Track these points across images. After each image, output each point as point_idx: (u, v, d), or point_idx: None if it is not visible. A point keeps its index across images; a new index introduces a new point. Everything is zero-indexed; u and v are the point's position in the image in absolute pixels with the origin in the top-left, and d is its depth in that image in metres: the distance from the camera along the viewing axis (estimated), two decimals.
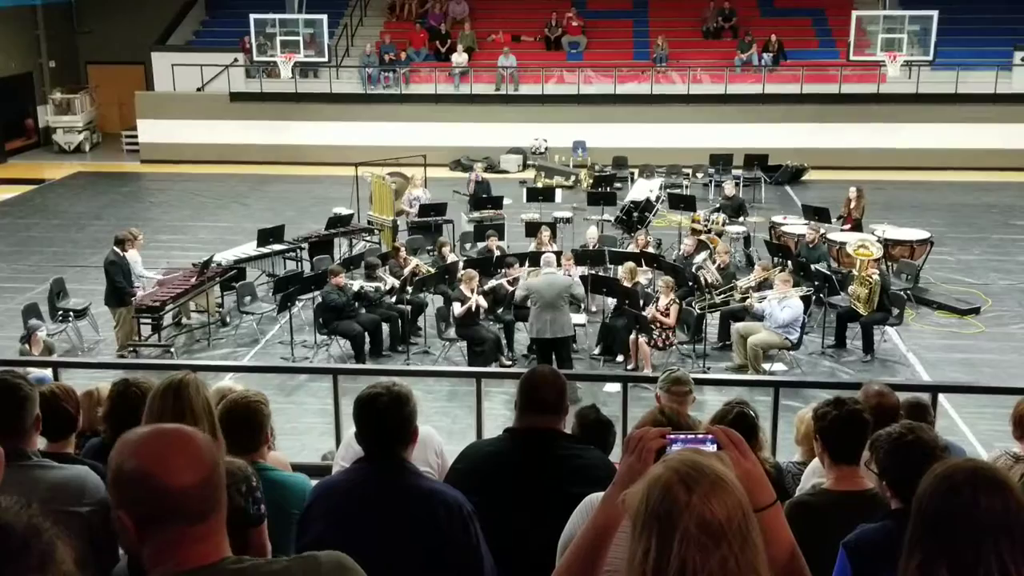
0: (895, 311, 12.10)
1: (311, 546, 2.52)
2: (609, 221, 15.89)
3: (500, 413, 8.64)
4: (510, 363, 11.48)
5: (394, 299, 12.40)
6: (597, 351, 11.87)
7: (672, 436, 2.06)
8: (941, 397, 6.44)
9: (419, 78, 24.32)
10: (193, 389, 3.15)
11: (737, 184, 18.17)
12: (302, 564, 1.92)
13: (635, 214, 15.23)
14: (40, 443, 3.28)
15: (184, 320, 12.96)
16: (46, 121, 26.01)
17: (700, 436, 2.06)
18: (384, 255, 13.57)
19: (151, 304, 11.92)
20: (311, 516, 3.07)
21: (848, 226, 15.28)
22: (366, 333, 11.63)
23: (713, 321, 12.23)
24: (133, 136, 24.96)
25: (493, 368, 10.86)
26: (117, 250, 11.98)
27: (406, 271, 12.71)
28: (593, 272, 12.79)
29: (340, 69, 24.29)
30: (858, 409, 3.41)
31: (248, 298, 12.89)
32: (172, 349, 11.94)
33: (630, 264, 12.18)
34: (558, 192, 18.41)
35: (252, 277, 13.90)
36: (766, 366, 11.26)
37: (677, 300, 11.52)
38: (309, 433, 8.99)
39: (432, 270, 12.94)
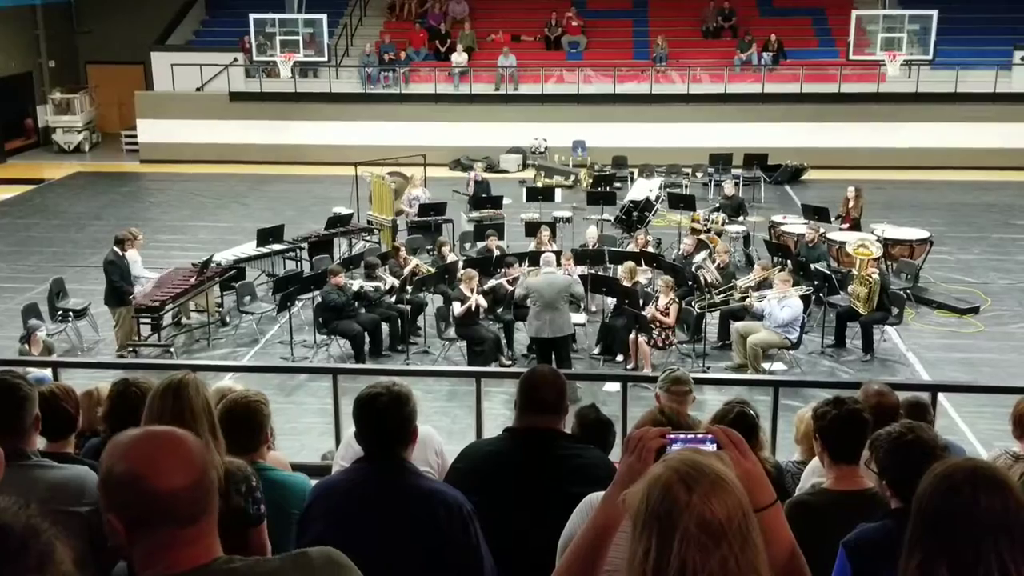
0: (895, 310, 12.09)
1: (311, 546, 2.51)
2: (609, 221, 15.87)
3: (500, 413, 8.64)
4: (510, 363, 11.47)
5: (394, 299, 12.39)
6: (597, 351, 11.87)
7: (672, 436, 2.06)
8: (941, 396, 6.45)
9: (419, 78, 24.30)
10: (193, 389, 3.14)
11: (737, 184, 18.18)
12: (294, 562, 1.91)
13: (635, 214, 15.22)
14: (40, 443, 3.28)
15: (184, 320, 12.96)
16: (46, 121, 25.99)
17: (700, 436, 2.05)
18: (384, 255, 13.56)
19: (151, 304, 11.91)
20: (311, 516, 3.06)
21: (847, 225, 15.28)
22: (366, 333, 11.62)
23: (713, 321, 12.23)
24: (133, 136, 24.94)
25: (493, 368, 10.85)
26: (117, 250, 11.98)
27: (406, 271, 12.70)
28: (593, 272, 12.79)
29: (340, 69, 24.28)
30: (858, 408, 3.40)
31: (248, 298, 12.89)
32: (172, 349, 11.93)
33: (630, 264, 12.17)
34: (558, 192, 18.37)
35: (252, 277, 13.89)
36: (766, 365, 11.25)
37: (677, 300, 11.51)
38: (309, 433, 8.99)
39: (432, 270, 12.92)
